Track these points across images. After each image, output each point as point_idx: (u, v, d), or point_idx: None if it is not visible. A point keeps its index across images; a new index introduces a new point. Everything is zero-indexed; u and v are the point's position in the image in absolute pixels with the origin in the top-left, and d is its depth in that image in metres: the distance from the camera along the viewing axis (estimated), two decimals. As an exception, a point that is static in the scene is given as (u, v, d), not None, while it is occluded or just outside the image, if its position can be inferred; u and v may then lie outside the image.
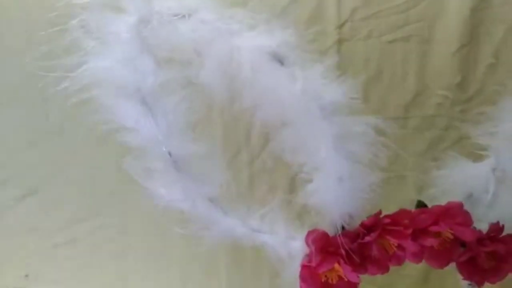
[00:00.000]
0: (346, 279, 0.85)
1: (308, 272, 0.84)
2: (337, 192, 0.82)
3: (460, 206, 0.90)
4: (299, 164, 0.79)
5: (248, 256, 1.07)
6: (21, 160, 1.06)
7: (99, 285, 1.19)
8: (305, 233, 0.85)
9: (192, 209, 0.79)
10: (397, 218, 0.88)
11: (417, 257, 0.90)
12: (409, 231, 0.86)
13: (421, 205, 0.93)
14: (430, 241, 0.89)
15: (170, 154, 0.76)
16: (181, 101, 0.73)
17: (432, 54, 1.13)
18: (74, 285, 1.20)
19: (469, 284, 0.97)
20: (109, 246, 1.05)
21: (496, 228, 0.93)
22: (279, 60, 0.72)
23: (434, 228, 0.89)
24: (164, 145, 0.74)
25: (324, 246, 0.85)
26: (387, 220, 0.86)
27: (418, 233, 0.89)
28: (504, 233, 0.93)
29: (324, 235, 0.86)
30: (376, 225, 0.86)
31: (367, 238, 0.85)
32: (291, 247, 0.85)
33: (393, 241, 0.86)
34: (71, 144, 1.07)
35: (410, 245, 0.88)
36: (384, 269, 0.89)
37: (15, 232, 1.06)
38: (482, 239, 0.92)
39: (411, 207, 0.89)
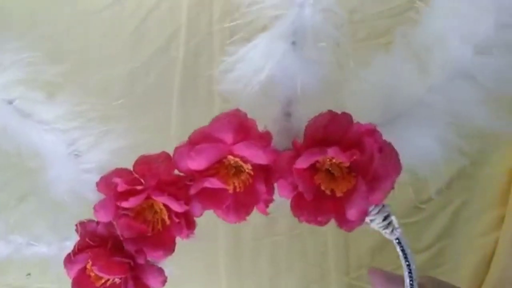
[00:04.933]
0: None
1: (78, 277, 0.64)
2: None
3: (231, 116, 0.59)
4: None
5: (247, 256, 1.01)
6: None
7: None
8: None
9: None
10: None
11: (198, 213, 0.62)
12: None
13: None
14: (196, 187, 0.59)
15: None
16: None
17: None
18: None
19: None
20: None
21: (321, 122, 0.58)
22: None
23: (192, 166, 0.59)
24: None
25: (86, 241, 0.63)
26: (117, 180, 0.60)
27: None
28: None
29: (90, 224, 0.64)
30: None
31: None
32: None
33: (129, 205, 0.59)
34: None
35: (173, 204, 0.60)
36: (164, 248, 0.63)
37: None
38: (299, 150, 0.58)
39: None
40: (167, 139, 0.98)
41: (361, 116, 0.60)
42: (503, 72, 0.59)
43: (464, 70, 0.60)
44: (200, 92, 0.97)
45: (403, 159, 0.59)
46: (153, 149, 0.62)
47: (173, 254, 0.99)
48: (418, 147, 0.63)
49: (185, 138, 0.98)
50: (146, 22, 0.99)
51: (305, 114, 0.60)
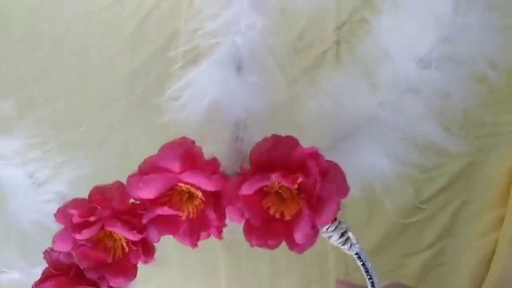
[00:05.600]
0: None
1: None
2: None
3: (177, 144, 0.60)
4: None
5: (247, 256, 1.03)
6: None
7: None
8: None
9: None
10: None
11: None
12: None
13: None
14: (148, 216, 0.60)
15: None
16: None
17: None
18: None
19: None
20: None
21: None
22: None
23: (141, 195, 0.60)
24: None
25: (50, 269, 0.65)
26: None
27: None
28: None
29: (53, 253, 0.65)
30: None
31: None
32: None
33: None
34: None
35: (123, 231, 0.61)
36: (125, 274, 0.63)
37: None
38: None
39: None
40: (167, 139, 0.99)
41: (313, 135, 0.61)
42: (446, 85, 0.59)
43: (411, 85, 0.60)
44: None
45: (357, 176, 0.60)
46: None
47: (174, 254, 1.01)
48: (371, 164, 0.63)
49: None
50: (146, 22, 0.99)
51: (254, 137, 0.61)
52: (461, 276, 0.98)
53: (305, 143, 0.58)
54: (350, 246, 0.63)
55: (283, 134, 0.58)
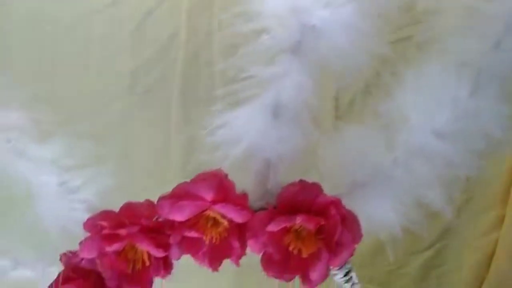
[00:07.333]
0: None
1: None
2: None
3: (212, 176, 0.62)
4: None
5: (249, 254, 1.04)
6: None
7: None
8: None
9: None
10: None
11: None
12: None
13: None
14: (175, 238, 0.64)
15: None
16: None
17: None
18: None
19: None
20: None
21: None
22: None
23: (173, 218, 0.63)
24: None
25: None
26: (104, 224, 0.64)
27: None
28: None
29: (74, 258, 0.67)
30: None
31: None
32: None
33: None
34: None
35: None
36: (141, 286, 0.66)
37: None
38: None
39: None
40: (167, 138, 1.01)
41: (331, 181, 0.64)
42: (454, 157, 0.62)
43: (424, 151, 0.63)
44: (200, 92, 0.98)
45: (366, 224, 0.63)
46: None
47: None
48: (379, 214, 0.66)
49: (184, 139, 1.00)
50: (146, 22, 0.98)
51: (280, 178, 0.64)
52: (461, 276, 1.01)
53: (324, 187, 0.62)
54: (352, 285, 0.67)
55: (307, 178, 0.62)
